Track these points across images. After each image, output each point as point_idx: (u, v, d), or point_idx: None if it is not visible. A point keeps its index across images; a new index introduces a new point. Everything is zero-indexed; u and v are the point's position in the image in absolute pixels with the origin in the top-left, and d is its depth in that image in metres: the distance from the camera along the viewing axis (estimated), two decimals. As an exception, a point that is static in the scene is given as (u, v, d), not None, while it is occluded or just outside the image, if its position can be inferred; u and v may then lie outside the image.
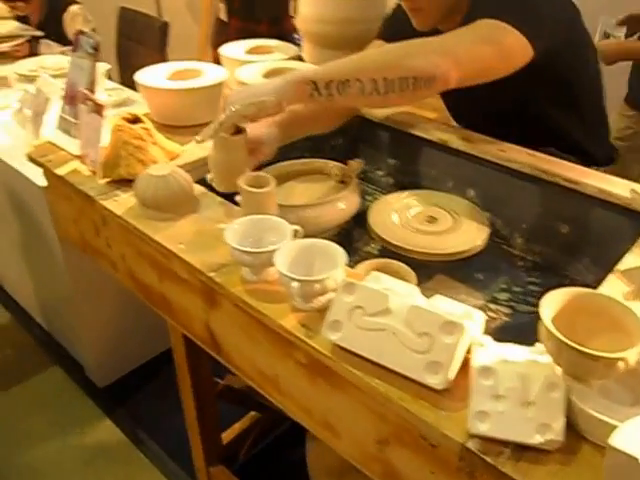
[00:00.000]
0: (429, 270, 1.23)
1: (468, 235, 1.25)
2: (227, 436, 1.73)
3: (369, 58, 1.10)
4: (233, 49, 1.67)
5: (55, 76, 2.23)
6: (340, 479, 1.62)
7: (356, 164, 1.40)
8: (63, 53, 2.58)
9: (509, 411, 0.70)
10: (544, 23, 1.12)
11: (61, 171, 1.26)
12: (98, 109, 1.17)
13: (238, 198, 1.07)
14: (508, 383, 0.71)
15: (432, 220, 1.31)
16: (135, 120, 1.26)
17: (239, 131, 1.09)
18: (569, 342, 0.67)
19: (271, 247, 0.90)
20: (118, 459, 1.87)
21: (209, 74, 1.47)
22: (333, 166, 1.43)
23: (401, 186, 1.51)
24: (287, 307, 0.90)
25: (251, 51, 1.67)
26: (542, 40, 1.10)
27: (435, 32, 1.27)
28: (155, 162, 1.22)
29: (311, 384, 0.90)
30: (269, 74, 1.50)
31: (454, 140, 1.39)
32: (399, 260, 1.08)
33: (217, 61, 1.81)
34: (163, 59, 2.77)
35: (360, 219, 1.32)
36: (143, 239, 1.09)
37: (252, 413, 1.81)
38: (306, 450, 1.72)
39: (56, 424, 1.97)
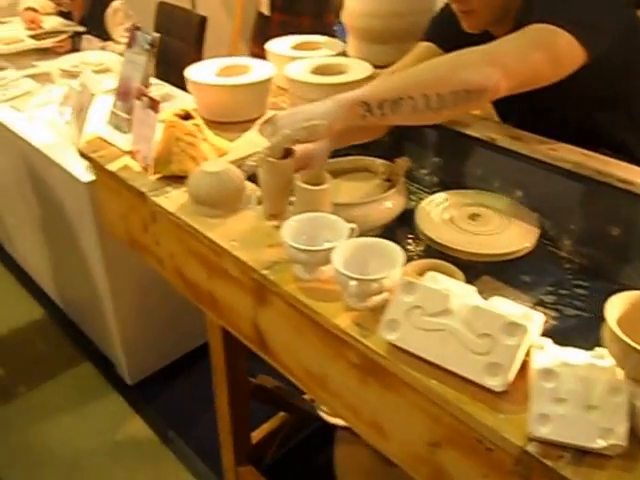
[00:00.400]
0: (475, 271, 1.22)
1: (517, 236, 1.24)
2: (256, 436, 1.74)
3: (419, 74, 1.09)
4: (279, 45, 1.69)
5: (96, 72, 2.28)
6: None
7: (403, 162, 1.40)
8: (104, 49, 2.63)
9: (571, 414, 0.70)
10: (598, 26, 1.11)
11: (112, 167, 1.28)
12: (153, 105, 1.19)
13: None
14: (570, 386, 0.71)
15: (480, 220, 1.30)
16: (186, 116, 1.27)
17: (287, 153, 1.08)
18: (636, 345, 0.67)
19: (327, 245, 0.91)
20: (147, 457, 1.89)
21: (257, 70, 1.49)
22: (380, 164, 1.44)
23: (446, 185, 1.50)
24: (341, 306, 0.90)
25: (297, 47, 1.68)
26: (596, 43, 1.09)
27: (485, 34, 1.27)
28: (206, 159, 1.24)
29: (362, 384, 0.91)
30: (317, 70, 1.51)
31: (503, 139, 1.38)
32: (444, 260, 1.08)
33: (256, 56, 1.83)
34: (200, 54, 2.80)
35: (404, 218, 1.32)
36: (194, 236, 1.10)
37: (281, 414, 1.81)
38: (334, 452, 1.72)
39: (87, 420, 2.00)
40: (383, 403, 0.89)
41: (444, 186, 1.50)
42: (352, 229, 0.96)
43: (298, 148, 1.09)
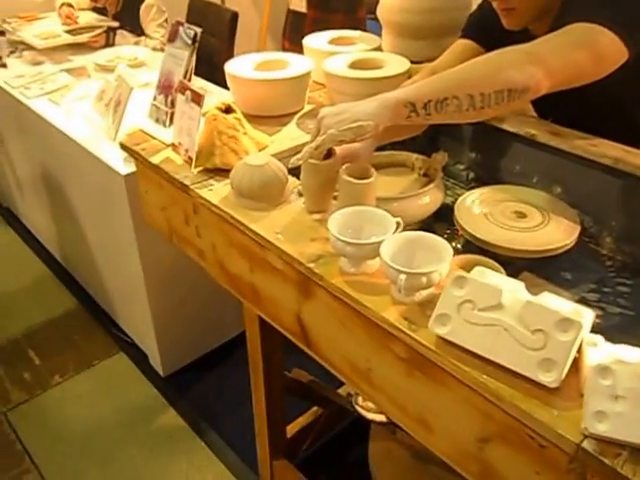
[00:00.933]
0: (515, 267, 1.21)
1: (557, 233, 1.23)
2: (290, 430, 1.75)
3: (463, 74, 1.09)
4: (316, 40, 1.68)
5: (131, 66, 2.31)
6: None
7: (441, 157, 1.39)
8: (137, 44, 2.65)
9: (628, 412, 0.69)
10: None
11: (155, 159, 1.29)
12: (197, 99, 1.19)
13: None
14: (627, 384, 0.70)
15: (520, 216, 1.29)
16: (227, 110, 1.28)
17: (330, 152, 1.08)
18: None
19: (375, 239, 0.91)
20: (180, 448, 1.90)
21: (295, 65, 1.49)
22: (416, 159, 1.43)
23: (482, 181, 1.50)
24: (388, 299, 0.90)
25: (333, 42, 1.68)
26: (637, 41, 1.08)
27: (524, 31, 1.27)
28: (247, 152, 1.24)
29: (409, 378, 0.90)
30: (354, 65, 1.50)
31: (542, 134, 1.37)
32: (483, 256, 1.08)
33: (287, 52, 1.83)
34: (232, 49, 2.81)
35: (441, 213, 1.32)
36: (238, 228, 1.11)
37: (315, 408, 1.82)
38: (369, 448, 1.72)
39: (121, 411, 2.03)
40: (430, 398, 0.89)
41: (480, 182, 1.49)
42: (398, 223, 0.96)
43: (344, 146, 1.09)
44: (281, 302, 1.11)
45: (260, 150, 1.31)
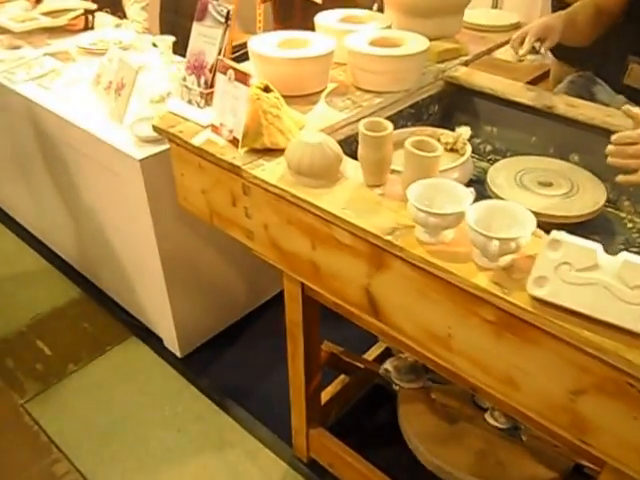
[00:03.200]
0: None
1: (588, 198, 1.30)
2: (323, 398, 1.78)
3: None
4: (327, 18, 1.68)
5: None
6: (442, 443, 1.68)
7: (465, 131, 1.43)
8: (118, 26, 2.59)
9: None
10: None
11: (196, 141, 1.29)
12: (243, 78, 1.19)
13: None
14: None
15: (547, 185, 1.35)
16: (266, 89, 1.28)
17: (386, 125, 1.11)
18: None
19: (454, 209, 0.94)
20: (210, 426, 1.91)
21: (318, 44, 1.49)
22: (442, 134, 1.47)
23: (500, 154, 1.55)
24: (472, 266, 0.94)
25: (343, 20, 1.68)
26: None
27: None
28: (291, 132, 1.25)
29: (497, 340, 0.95)
30: (375, 43, 1.52)
31: (559, 106, 1.43)
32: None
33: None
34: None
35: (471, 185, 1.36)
36: (300, 206, 1.12)
37: (342, 376, 1.86)
38: (398, 410, 1.78)
39: (144, 394, 2.02)
40: (520, 357, 0.93)
41: (499, 154, 1.55)
42: (472, 193, 0.99)
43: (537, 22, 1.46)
44: (347, 277, 1.14)
45: (300, 129, 1.32)
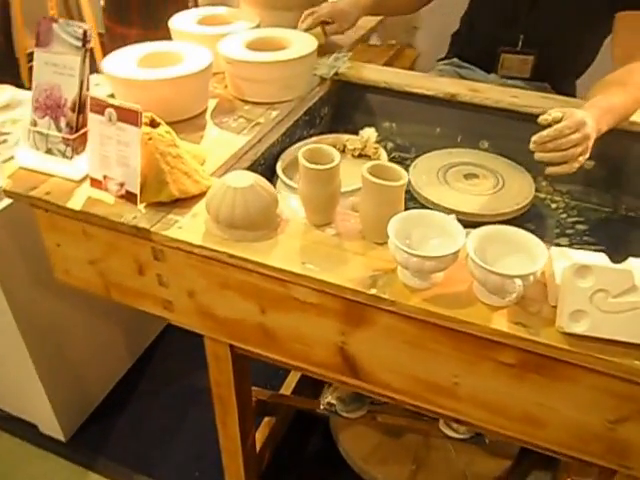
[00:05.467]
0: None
1: (517, 190, 1.25)
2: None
3: None
4: (184, 22, 1.43)
5: None
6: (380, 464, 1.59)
7: (372, 133, 1.30)
8: None
9: None
10: None
11: (74, 204, 1.01)
12: (130, 118, 0.93)
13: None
14: None
15: (473, 177, 1.28)
16: (152, 123, 1.03)
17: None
18: None
19: (454, 247, 0.80)
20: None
21: (190, 57, 1.25)
22: (347, 139, 1.32)
23: (404, 150, 1.45)
24: (483, 308, 0.81)
25: (203, 22, 1.45)
26: None
27: None
28: (197, 172, 1.03)
29: (518, 383, 0.83)
30: (252, 46, 1.32)
31: (463, 92, 1.35)
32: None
33: (115, 34, 1.55)
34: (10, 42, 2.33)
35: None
36: (239, 267, 0.91)
37: (267, 418, 1.67)
38: (335, 437, 1.65)
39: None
40: (543, 395, 0.83)
41: (404, 151, 1.45)
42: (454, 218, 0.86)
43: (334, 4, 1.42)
44: (313, 338, 0.95)
45: (202, 164, 1.09)
